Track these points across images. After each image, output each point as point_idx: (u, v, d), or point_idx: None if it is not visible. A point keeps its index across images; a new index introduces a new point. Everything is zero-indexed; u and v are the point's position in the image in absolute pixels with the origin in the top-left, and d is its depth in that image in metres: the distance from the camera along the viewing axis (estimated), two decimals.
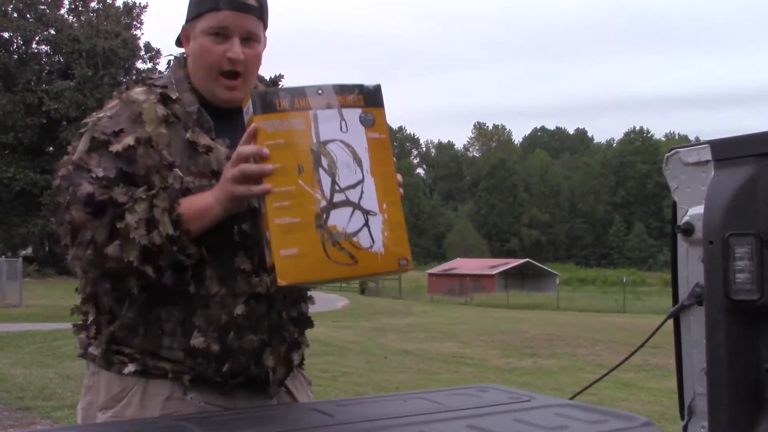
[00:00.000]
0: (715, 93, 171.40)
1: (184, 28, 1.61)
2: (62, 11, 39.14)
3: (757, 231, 1.40)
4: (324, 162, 1.39)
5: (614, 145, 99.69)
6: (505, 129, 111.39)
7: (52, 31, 37.99)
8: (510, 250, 77.44)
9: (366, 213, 1.41)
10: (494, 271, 52.49)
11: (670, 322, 1.69)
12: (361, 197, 1.41)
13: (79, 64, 36.62)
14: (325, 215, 1.37)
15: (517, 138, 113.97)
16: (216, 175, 1.52)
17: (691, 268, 1.61)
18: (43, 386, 7.76)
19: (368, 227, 1.40)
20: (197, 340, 1.54)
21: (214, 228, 1.50)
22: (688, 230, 1.58)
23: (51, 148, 38.13)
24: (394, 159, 1.48)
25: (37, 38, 38.52)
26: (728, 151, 1.49)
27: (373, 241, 1.40)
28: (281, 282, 1.35)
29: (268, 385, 1.63)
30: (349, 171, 1.40)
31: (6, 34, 37.56)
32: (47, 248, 38.16)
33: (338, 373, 8.89)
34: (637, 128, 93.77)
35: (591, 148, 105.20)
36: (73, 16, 39.62)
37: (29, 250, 37.83)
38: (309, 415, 1.44)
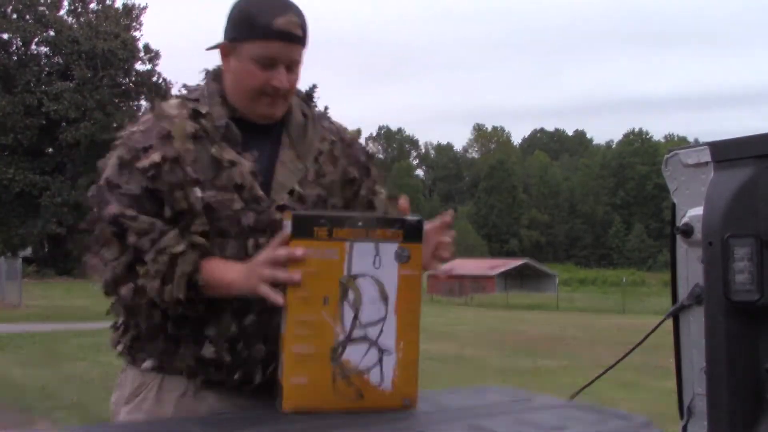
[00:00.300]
0: (714, 94, 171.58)
1: (225, 45, 1.59)
2: (62, 12, 39.19)
3: (757, 232, 1.40)
4: (350, 296, 1.41)
5: (613, 146, 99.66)
6: (504, 130, 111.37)
7: (52, 33, 38.01)
8: (509, 251, 77.38)
9: (381, 351, 1.43)
10: (494, 272, 52.47)
11: (670, 321, 1.70)
12: (380, 335, 1.43)
13: (78, 65, 36.63)
14: (340, 349, 1.41)
15: (517, 139, 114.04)
16: (239, 188, 1.55)
17: (691, 269, 1.61)
18: (42, 386, 7.76)
19: (381, 365, 1.43)
20: (208, 351, 1.57)
21: (233, 241, 1.55)
22: (687, 231, 1.59)
23: (50, 149, 38.13)
24: (419, 292, 1.48)
25: (36, 39, 38.54)
26: (728, 153, 1.50)
27: (383, 380, 1.43)
28: (285, 407, 1.40)
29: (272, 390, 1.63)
30: (373, 308, 1.42)
31: (5, 36, 37.57)
32: (46, 249, 38.17)
33: None
34: (637, 129, 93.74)
35: (590, 149, 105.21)
36: (73, 18, 39.65)
37: (28, 251, 37.81)
38: (305, 415, 1.44)
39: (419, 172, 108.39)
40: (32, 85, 37.24)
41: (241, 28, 1.55)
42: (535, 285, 52.37)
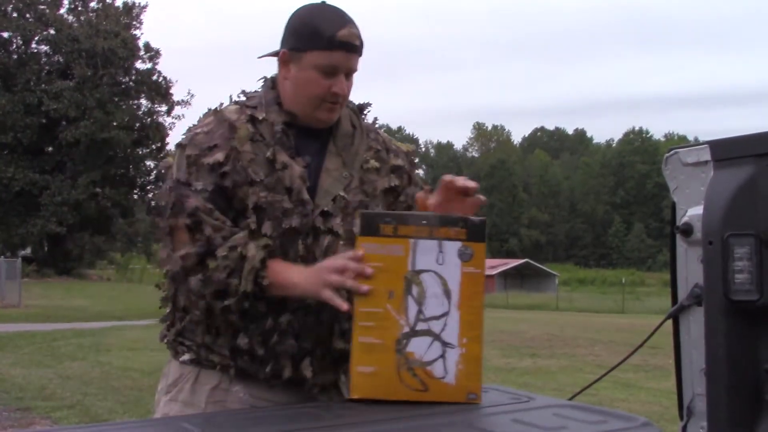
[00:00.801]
0: (714, 93, 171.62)
1: (286, 53, 1.68)
2: (62, 11, 39.16)
3: (757, 231, 1.40)
4: (414, 290, 1.49)
5: (614, 145, 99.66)
6: (505, 129, 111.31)
7: (52, 31, 37.99)
8: (509, 251, 77.40)
9: (445, 345, 1.50)
10: (494, 272, 52.49)
11: (670, 322, 1.69)
12: (443, 329, 1.50)
13: (78, 63, 36.62)
14: (405, 341, 1.48)
15: (517, 138, 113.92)
16: (288, 191, 1.64)
17: (691, 268, 1.61)
18: (42, 386, 7.76)
19: (444, 358, 1.50)
20: (242, 341, 1.65)
21: (280, 240, 1.63)
22: (687, 231, 1.58)
23: (50, 148, 38.11)
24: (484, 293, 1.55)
25: (36, 38, 38.52)
26: (727, 152, 1.50)
27: (446, 372, 1.50)
28: (352, 395, 1.48)
29: (304, 389, 1.69)
30: (437, 302, 1.49)
31: (5, 34, 37.57)
32: (46, 248, 38.17)
33: None
34: (637, 128, 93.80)
35: (590, 148, 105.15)
36: (73, 16, 39.64)
37: (28, 251, 37.83)
38: (309, 415, 1.45)
39: (419, 171, 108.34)
40: (32, 83, 37.20)
41: (305, 39, 1.65)
42: (535, 285, 52.40)
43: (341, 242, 1.67)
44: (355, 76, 1.70)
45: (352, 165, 1.73)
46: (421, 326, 1.49)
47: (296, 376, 1.67)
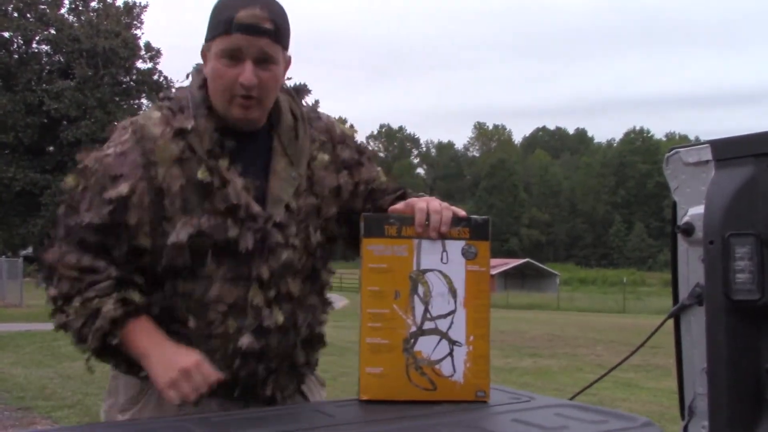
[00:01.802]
0: (715, 93, 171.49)
1: (203, 47, 1.56)
2: (62, 11, 39.12)
3: (757, 231, 1.40)
4: (420, 290, 1.49)
5: (614, 145, 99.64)
6: (505, 129, 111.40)
7: (53, 31, 37.98)
8: (510, 250, 77.38)
9: (452, 343, 1.50)
10: (494, 271, 52.43)
11: (670, 322, 1.69)
12: (450, 327, 1.50)
13: (79, 63, 36.61)
14: (412, 340, 1.49)
15: (517, 138, 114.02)
16: (232, 210, 1.50)
17: (691, 268, 1.60)
18: (43, 386, 7.76)
19: (452, 357, 1.50)
20: None
21: (230, 263, 1.52)
22: (688, 230, 1.58)
23: (51, 148, 38.11)
24: (489, 289, 1.55)
25: (37, 38, 38.50)
26: (728, 151, 1.49)
27: (455, 371, 1.50)
28: (363, 396, 1.49)
29: (276, 402, 1.64)
30: (443, 301, 1.50)
31: (6, 34, 37.55)
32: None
33: (338, 373, 8.88)
34: (638, 128, 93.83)
35: (591, 148, 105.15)
36: (74, 16, 39.61)
37: (29, 250, 37.81)
38: (309, 415, 1.44)
39: (420, 170, 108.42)
40: (33, 83, 37.20)
41: (211, 27, 1.52)
42: (536, 284, 52.38)
43: (299, 257, 1.58)
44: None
45: (299, 163, 1.60)
46: (428, 325, 1.49)
47: (264, 394, 1.60)
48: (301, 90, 1.74)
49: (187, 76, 1.64)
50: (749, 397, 1.40)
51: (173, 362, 1.44)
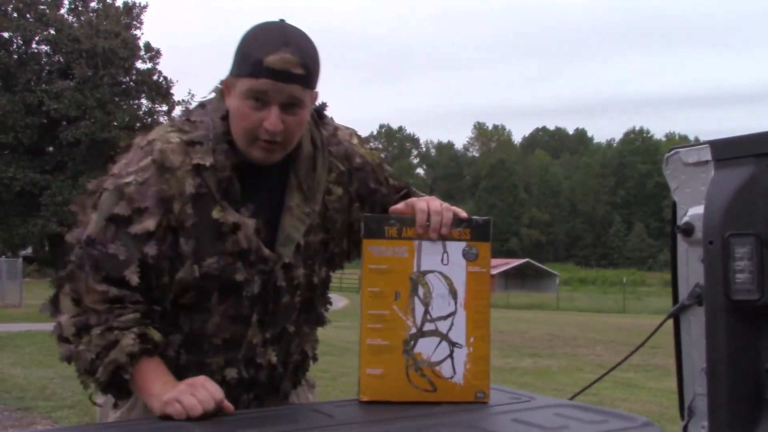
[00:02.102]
0: (715, 93, 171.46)
1: (227, 80, 1.50)
2: (62, 11, 39.14)
3: (757, 231, 1.40)
4: (420, 291, 1.49)
5: (614, 145, 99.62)
6: (505, 129, 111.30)
7: (52, 31, 37.98)
8: (510, 250, 77.39)
9: (452, 344, 1.50)
10: (494, 271, 52.35)
11: (670, 322, 1.69)
12: (450, 329, 1.50)
13: (79, 64, 36.61)
14: (412, 342, 1.49)
15: (517, 138, 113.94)
16: (242, 255, 1.48)
17: (691, 268, 1.61)
18: (43, 386, 7.76)
19: (452, 358, 1.50)
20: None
21: (232, 301, 1.51)
22: (688, 230, 1.58)
23: (51, 148, 38.12)
24: (489, 289, 1.54)
25: (37, 38, 38.51)
26: (728, 152, 1.49)
27: (455, 372, 1.50)
28: (363, 398, 1.48)
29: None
30: (443, 302, 1.50)
31: (6, 34, 37.55)
32: (47, 248, 38.17)
33: (338, 373, 8.88)
34: (637, 128, 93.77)
35: (591, 148, 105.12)
36: (73, 16, 39.62)
37: (29, 250, 37.84)
38: (309, 415, 1.44)
39: (420, 171, 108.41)
40: (33, 83, 37.21)
41: (237, 63, 1.46)
42: (536, 284, 52.38)
43: (300, 295, 1.58)
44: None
45: (314, 198, 1.57)
46: (428, 327, 1.49)
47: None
48: (322, 110, 1.66)
49: (210, 93, 1.59)
50: (749, 397, 1.41)
51: (161, 400, 1.38)
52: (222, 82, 1.53)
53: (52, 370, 8.92)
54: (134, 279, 1.44)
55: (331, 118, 1.70)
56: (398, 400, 1.48)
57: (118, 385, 1.44)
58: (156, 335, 1.46)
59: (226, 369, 1.54)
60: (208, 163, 1.46)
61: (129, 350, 1.41)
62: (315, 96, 1.53)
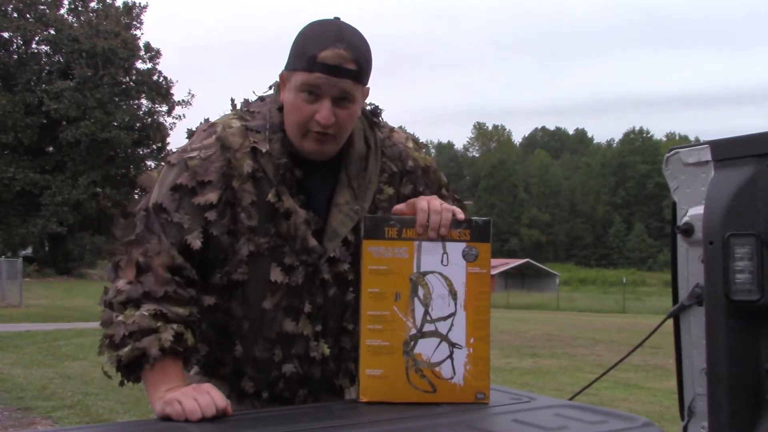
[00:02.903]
0: (715, 93, 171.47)
1: (283, 74, 1.56)
2: (62, 11, 39.12)
3: (757, 231, 1.40)
4: (420, 292, 1.49)
5: (614, 145, 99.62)
6: (505, 129, 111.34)
7: (52, 31, 37.97)
8: (510, 250, 77.45)
9: (452, 345, 1.50)
10: (494, 272, 52.37)
11: (670, 322, 1.69)
12: (450, 329, 1.50)
13: (78, 64, 36.59)
14: (412, 343, 1.49)
15: (517, 138, 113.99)
16: (289, 239, 1.53)
17: (691, 268, 1.61)
18: (43, 386, 7.76)
19: (452, 359, 1.50)
20: (247, 384, 1.62)
21: (282, 293, 1.55)
22: (688, 230, 1.58)
23: (51, 148, 38.10)
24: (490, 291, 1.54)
25: (36, 38, 38.50)
26: (728, 152, 1.49)
27: (454, 373, 1.50)
28: (363, 398, 1.48)
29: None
30: (443, 303, 1.49)
31: (6, 34, 37.54)
32: (47, 248, 38.16)
33: None
34: (637, 128, 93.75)
35: (591, 148, 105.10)
36: (73, 16, 39.60)
37: (29, 250, 37.81)
38: (309, 416, 1.44)
39: None
40: (33, 83, 37.19)
41: (293, 58, 1.52)
42: (536, 284, 52.40)
43: (351, 291, 1.59)
44: None
45: (363, 197, 1.60)
46: (428, 327, 1.49)
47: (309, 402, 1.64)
48: (377, 113, 1.69)
49: (270, 88, 1.65)
50: (749, 397, 1.41)
51: (161, 401, 1.39)
52: (279, 76, 1.59)
53: (52, 370, 8.92)
54: (197, 243, 1.48)
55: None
56: (398, 401, 1.48)
57: (134, 369, 1.45)
58: (190, 340, 1.47)
59: (284, 364, 1.59)
60: (264, 149, 1.53)
61: (162, 345, 1.42)
62: (366, 92, 1.58)
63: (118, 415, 6.41)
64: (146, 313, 1.42)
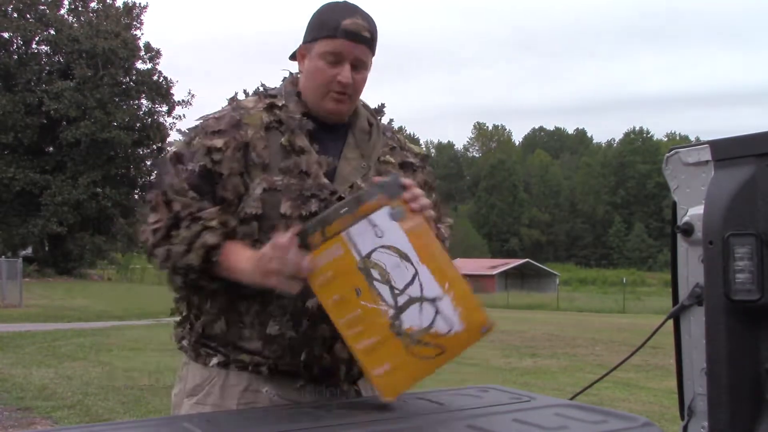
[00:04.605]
0: (716, 93, 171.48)
1: (301, 47, 1.74)
2: (62, 11, 39.14)
3: (757, 231, 1.40)
4: (375, 273, 1.45)
5: (614, 145, 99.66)
6: (505, 129, 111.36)
7: (52, 32, 37.99)
8: (510, 250, 77.43)
9: (432, 301, 1.46)
10: (494, 272, 52.49)
11: (670, 322, 1.69)
12: (422, 289, 1.46)
13: (78, 64, 36.61)
14: (397, 322, 1.45)
15: (517, 138, 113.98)
16: (305, 175, 1.65)
17: (691, 268, 1.61)
18: (43, 386, 7.76)
19: (440, 313, 1.46)
20: (272, 329, 1.64)
21: (293, 226, 1.59)
22: (688, 230, 1.58)
23: (51, 148, 38.12)
24: (436, 231, 1.52)
25: (37, 38, 38.53)
26: (728, 151, 1.50)
27: (451, 324, 1.46)
28: (385, 397, 1.45)
29: (339, 380, 1.70)
30: (401, 270, 1.46)
31: (6, 34, 37.55)
32: (47, 248, 38.16)
33: None
34: (637, 128, 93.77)
35: (591, 148, 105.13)
36: (73, 17, 39.63)
37: (29, 250, 37.81)
38: (306, 415, 1.44)
39: None
40: (33, 83, 37.21)
41: (315, 29, 1.70)
42: (536, 284, 52.40)
43: None
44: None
45: (369, 157, 1.75)
46: (402, 299, 1.45)
47: (332, 362, 1.65)
48: (380, 109, 1.88)
49: (283, 80, 1.82)
50: (749, 397, 1.41)
51: (260, 261, 1.49)
52: (297, 52, 1.75)
53: (52, 370, 8.93)
54: (206, 188, 1.62)
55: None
56: (419, 380, 1.46)
57: (209, 271, 1.59)
58: (233, 221, 1.62)
59: (306, 299, 1.59)
60: (280, 104, 1.71)
61: (217, 234, 1.59)
62: (371, 62, 1.76)
63: (118, 415, 6.41)
64: (186, 225, 1.60)
